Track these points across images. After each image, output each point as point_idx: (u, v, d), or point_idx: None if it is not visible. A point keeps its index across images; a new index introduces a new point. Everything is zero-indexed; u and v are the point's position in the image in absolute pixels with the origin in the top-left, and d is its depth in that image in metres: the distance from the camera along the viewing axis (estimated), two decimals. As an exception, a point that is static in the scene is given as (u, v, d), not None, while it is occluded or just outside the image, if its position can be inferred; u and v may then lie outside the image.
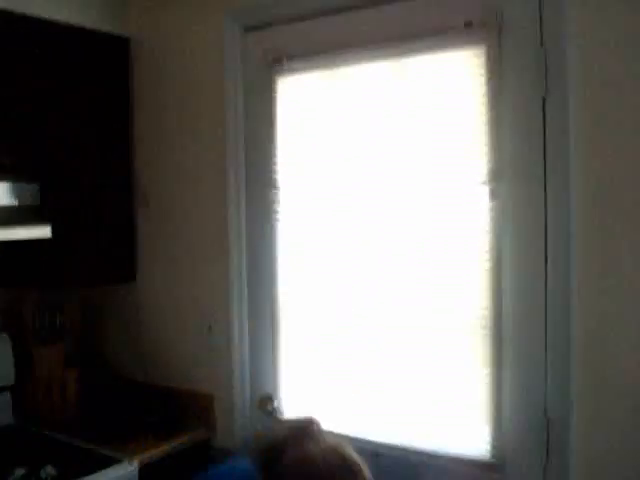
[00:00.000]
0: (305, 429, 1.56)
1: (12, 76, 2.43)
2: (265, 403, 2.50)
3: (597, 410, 1.89)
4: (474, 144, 2.06)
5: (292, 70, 2.42)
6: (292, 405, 2.51)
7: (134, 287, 2.91)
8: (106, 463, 2.29)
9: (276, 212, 2.50)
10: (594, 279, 1.88)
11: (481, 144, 2.04)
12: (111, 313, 3.02)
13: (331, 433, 1.58)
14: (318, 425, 1.59)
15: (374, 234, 2.27)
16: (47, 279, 2.67)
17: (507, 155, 2.02)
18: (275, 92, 2.46)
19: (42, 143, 2.53)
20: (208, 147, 2.64)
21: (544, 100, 1.95)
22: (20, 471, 2.18)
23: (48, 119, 2.55)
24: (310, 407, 2.42)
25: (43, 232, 2.44)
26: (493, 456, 2.08)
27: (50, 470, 2.19)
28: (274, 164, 2.49)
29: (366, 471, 1.52)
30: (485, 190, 2.05)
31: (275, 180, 2.49)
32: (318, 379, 2.42)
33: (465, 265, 2.09)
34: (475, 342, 2.08)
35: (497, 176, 2.02)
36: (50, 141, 2.56)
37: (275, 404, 2.52)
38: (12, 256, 2.61)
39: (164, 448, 2.45)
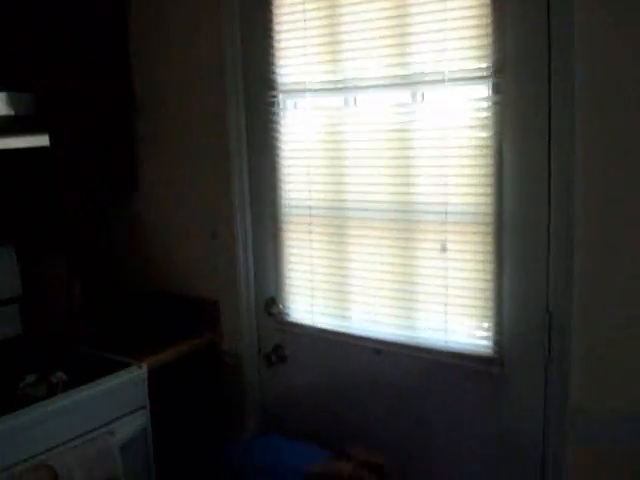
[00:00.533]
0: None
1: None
2: (270, 306, 2.53)
3: (598, 303, 1.89)
4: (478, 35, 2.00)
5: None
6: (295, 307, 2.54)
7: (136, 196, 2.90)
8: (116, 367, 2.34)
9: (277, 114, 2.46)
10: (597, 171, 1.86)
11: (485, 35, 1.98)
12: (114, 223, 3.02)
13: None
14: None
15: (375, 125, 2.24)
16: (47, 190, 2.65)
17: (511, 48, 1.96)
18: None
19: (36, 50, 2.47)
20: (205, 49, 2.58)
21: (548, -8, 1.87)
22: (31, 377, 2.21)
23: (42, 26, 2.48)
24: (313, 308, 2.46)
25: (40, 141, 2.41)
26: (495, 351, 2.10)
27: (61, 375, 2.22)
28: (274, 64, 2.44)
29: None
30: (488, 84, 2.00)
31: (275, 81, 2.44)
32: (320, 278, 2.43)
33: (467, 159, 2.07)
34: (478, 237, 2.08)
35: (500, 69, 1.97)
36: (43, 47, 2.50)
37: (279, 307, 2.54)
38: (12, 166, 2.58)
39: (172, 352, 2.49)
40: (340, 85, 2.30)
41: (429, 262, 2.18)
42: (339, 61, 2.29)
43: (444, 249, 2.13)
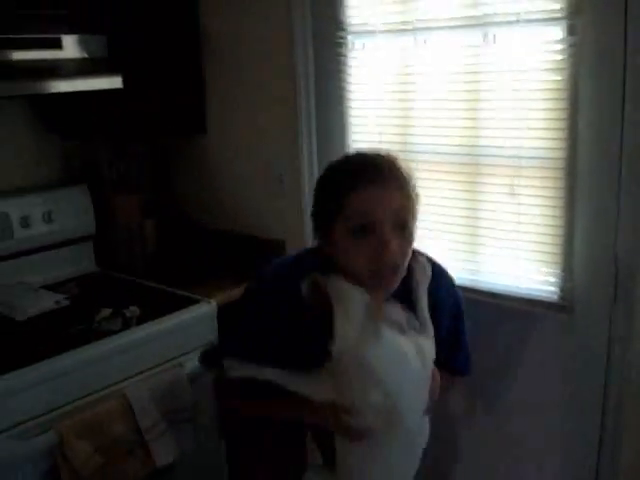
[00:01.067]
0: None
1: None
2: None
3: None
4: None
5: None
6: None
7: (204, 138, 2.94)
8: (187, 303, 2.42)
9: (345, 55, 2.45)
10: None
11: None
12: (184, 165, 3.07)
13: None
14: None
15: (445, 67, 2.22)
16: (119, 130, 2.72)
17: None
18: None
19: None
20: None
21: None
22: (106, 311, 2.31)
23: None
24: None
25: (114, 82, 2.46)
26: (562, 298, 2.10)
27: (135, 310, 2.31)
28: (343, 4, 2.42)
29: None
30: (563, 25, 1.96)
31: (344, 22, 2.43)
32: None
33: (541, 102, 2.04)
34: (549, 182, 2.07)
35: (577, 10, 1.92)
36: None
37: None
38: (84, 108, 2.64)
39: (240, 289, 2.54)
40: (410, 26, 2.27)
41: (498, 206, 2.17)
42: (409, 1, 2.26)
43: (514, 192, 2.12)
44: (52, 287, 2.58)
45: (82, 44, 2.44)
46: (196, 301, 2.43)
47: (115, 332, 2.20)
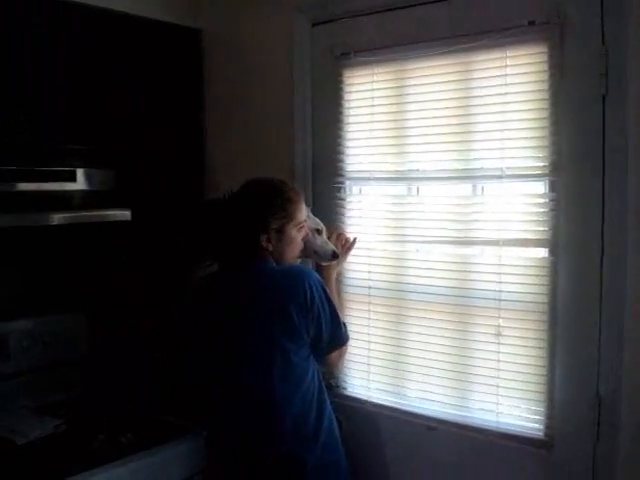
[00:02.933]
0: None
1: (88, 68, 2.59)
2: (327, 379, 2.62)
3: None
4: (535, 138, 2.15)
5: (358, 64, 2.52)
6: (352, 382, 2.66)
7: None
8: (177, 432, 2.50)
9: (343, 199, 2.64)
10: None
11: (542, 138, 2.14)
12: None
13: None
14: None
15: (436, 214, 2.39)
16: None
17: (567, 149, 2.09)
18: (343, 84, 2.58)
19: (117, 132, 2.69)
20: (277, 140, 2.78)
21: (604, 98, 2.02)
22: (101, 436, 2.37)
23: (124, 110, 2.71)
24: (369, 384, 2.58)
25: (123, 215, 2.61)
26: (545, 434, 2.18)
27: (130, 436, 2.36)
28: (342, 154, 2.62)
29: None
30: (545, 182, 2.15)
31: (342, 169, 2.63)
32: (377, 355, 2.55)
33: (524, 252, 2.21)
34: (531, 324, 2.18)
35: (557, 168, 2.11)
36: (127, 130, 2.72)
37: (337, 380, 2.66)
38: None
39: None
40: (403, 175, 2.47)
41: (483, 345, 2.28)
42: (404, 153, 2.47)
43: (500, 334, 2.24)
44: (48, 408, 2.63)
45: (94, 177, 2.61)
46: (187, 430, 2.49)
47: (111, 458, 2.24)
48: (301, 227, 2.25)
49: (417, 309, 2.43)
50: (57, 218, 2.45)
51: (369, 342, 2.55)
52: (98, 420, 2.56)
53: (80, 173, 2.57)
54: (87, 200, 2.60)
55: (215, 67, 3.00)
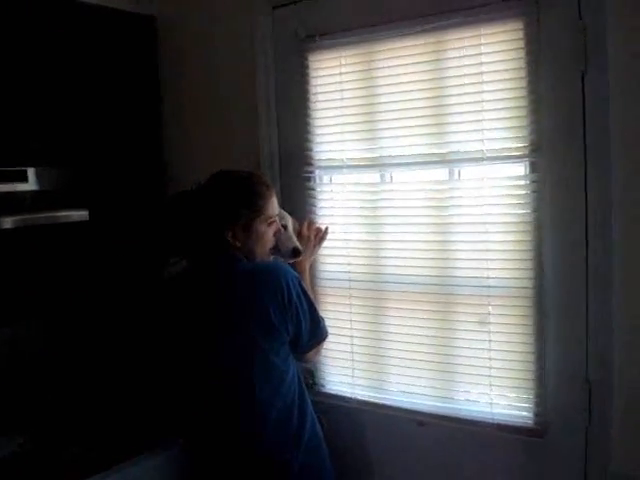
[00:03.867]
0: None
1: (39, 58, 2.45)
2: (307, 378, 2.53)
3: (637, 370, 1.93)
4: (514, 118, 2.08)
5: (324, 47, 2.42)
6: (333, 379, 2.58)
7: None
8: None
9: (313, 189, 2.54)
10: (635, 250, 1.92)
11: (521, 118, 2.07)
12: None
13: None
14: None
15: (412, 201, 2.32)
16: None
17: (547, 129, 2.03)
18: (308, 69, 2.47)
19: (71, 127, 2.56)
20: (240, 129, 2.66)
21: (583, 75, 1.96)
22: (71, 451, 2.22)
23: (78, 103, 2.58)
24: (353, 380, 2.50)
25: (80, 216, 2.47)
26: (536, 422, 2.13)
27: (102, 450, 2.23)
28: (310, 142, 2.52)
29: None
30: (525, 163, 2.08)
31: (311, 158, 2.53)
32: (359, 350, 2.47)
33: (507, 234, 2.13)
34: (518, 310, 2.13)
35: (537, 149, 2.05)
36: (79, 125, 2.58)
37: (317, 379, 2.58)
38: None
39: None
40: (376, 162, 2.38)
41: (470, 334, 2.22)
42: (376, 139, 2.38)
43: (485, 321, 2.18)
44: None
45: (47, 177, 2.46)
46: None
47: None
48: (272, 222, 2.14)
49: (399, 300, 2.36)
50: (8, 221, 2.32)
51: (352, 337, 2.47)
52: (66, 434, 2.42)
53: (32, 172, 2.43)
54: (41, 201, 2.47)
55: (172, 55, 2.86)
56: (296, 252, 2.26)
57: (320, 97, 2.47)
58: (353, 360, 2.48)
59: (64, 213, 2.47)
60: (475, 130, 2.15)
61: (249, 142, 2.61)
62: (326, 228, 2.42)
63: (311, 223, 2.42)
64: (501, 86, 2.09)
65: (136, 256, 2.72)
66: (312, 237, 2.37)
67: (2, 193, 2.33)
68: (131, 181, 2.77)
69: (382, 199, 2.39)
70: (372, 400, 2.44)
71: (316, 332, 2.15)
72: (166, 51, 2.86)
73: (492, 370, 2.18)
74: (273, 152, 2.60)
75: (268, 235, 2.14)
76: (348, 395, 2.50)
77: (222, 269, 2.08)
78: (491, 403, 2.20)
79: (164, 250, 2.40)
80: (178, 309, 2.18)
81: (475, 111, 2.14)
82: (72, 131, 2.56)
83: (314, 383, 2.57)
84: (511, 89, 2.08)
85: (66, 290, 2.70)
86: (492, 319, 2.17)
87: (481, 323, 2.19)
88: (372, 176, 2.42)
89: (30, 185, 2.43)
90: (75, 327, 2.76)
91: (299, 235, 2.33)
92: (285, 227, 2.25)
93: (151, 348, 2.39)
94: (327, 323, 2.23)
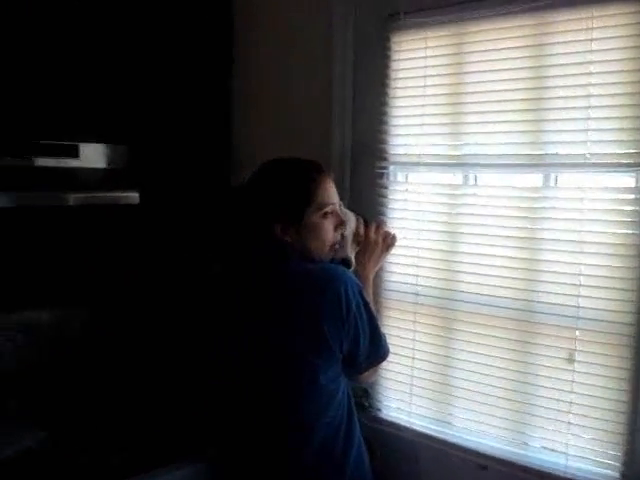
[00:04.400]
0: None
1: (96, 26, 2.25)
2: (362, 397, 2.25)
3: None
4: (626, 118, 1.75)
5: (409, 26, 2.13)
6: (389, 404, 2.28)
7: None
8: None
9: (385, 186, 2.25)
10: None
11: (635, 119, 1.73)
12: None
13: None
14: None
15: (498, 209, 2.00)
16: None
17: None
18: (390, 51, 2.19)
19: (131, 102, 2.36)
20: (313, 117, 2.39)
21: None
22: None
23: (139, 75, 2.37)
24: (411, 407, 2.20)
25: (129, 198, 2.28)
26: (624, 476, 1.79)
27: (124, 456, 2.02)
28: (386, 134, 2.23)
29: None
30: (637, 173, 1.74)
31: (386, 152, 2.24)
32: (421, 375, 2.18)
33: (606, 257, 1.79)
34: (612, 349, 1.79)
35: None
36: (141, 101, 2.38)
37: (372, 400, 2.29)
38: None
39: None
40: (459, 160, 2.07)
41: (550, 371, 1.89)
42: (461, 134, 2.07)
43: (570, 358, 1.84)
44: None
45: (101, 153, 2.29)
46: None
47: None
48: (327, 213, 1.81)
49: (471, 322, 2.04)
50: (63, 197, 2.17)
51: (413, 358, 2.18)
52: (87, 434, 2.20)
53: (84, 148, 2.23)
54: (92, 180, 2.27)
55: (247, 32, 2.61)
56: (346, 264, 1.94)
57: (400, 83, 2.17)
58: (412, 385, 2.18)
59: (113, 194, 2.28)
60: (578, 130, 1.83)
61: (321, 131, 2.33)
62: (394, 235, 2.10)
63: (380, 225, 2.10)
64: (613, 79, 1.76)
65: (186, 249, 2.50)
66: (380, 242, 2.05)
67: (49, 168, 2.15)
68: (192, 164, 2.53)
69: (463, 204, 2.08)
70: (430, 433, 2.14)
71: (375, 351, 1.85)
72: (242, 27, 2.62)
73: (573, 416, 1.85)
74: (345, 143, 2.31)
75: (324, 228, 1.81)
76: (404, 424, 2.20)
77: (273, 273, 1.80)
78: (567, 454, 1.87)
79: (213, 246, 2.18)
80: (217, 315, 1.93)
81: (580, 107, 1.81)
82: (133, 106, 2.36)
83: (369, 405, 2.28)
84: (625, 83, 1.74)
85: (109, 279, 2.52)
86: (579, 356, 1.84)
87: (565, 360, 1.86)
88: (453, 177, 2.11)
89: (81, 161, 2.23)
90: (117, 319, 2.56)
91: (365, 238, 2.02)
92: (342, 227, 1.93)
93: (191, 350, 2.15)
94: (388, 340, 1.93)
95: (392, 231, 2.09)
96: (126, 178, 2.33)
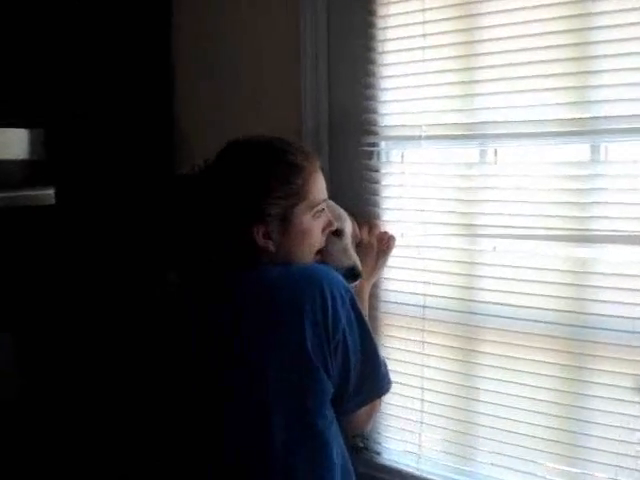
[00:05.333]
0: None
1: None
2: (356, 439, 1.78)
3: None
4: None
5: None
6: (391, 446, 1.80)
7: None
8: None
9: (376, 172, 1.76)
10: None
11: None
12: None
13: None
14: None
15: (526, 191, 1.53)
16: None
17: None
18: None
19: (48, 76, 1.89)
20: (277, 82, 1.93)
21: None
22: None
23: (58, 40, 1.92)
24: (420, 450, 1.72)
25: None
26: None
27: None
28: (374, 100, 1.75)
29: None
30: None
31: (374, 124, 1.75)
32: (432, 408, 1.71)
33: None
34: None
35: None
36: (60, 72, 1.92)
37: (369, 441, 1.82)
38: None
39: None
40: (473, 130, 1.59)
41: (610, 404, 1.43)
42: (474, 95, 1.59)
43: (638, 387, 1.40)
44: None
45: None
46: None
47: None
48: (319, 212, 1.43)
49: (500, 342, 1.57)
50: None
51: (422, 389, 1.71)
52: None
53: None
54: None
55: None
56: (354, 273, 1.52)
57: (391, 33, 1.69)
58: (422, 422, 1.72)
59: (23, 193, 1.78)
60: (634, 84, 1.36)
61: (288, 101, 1.87)
62: (391, 235, 1.66)
63: (373, 226, 1.65)
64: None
65: (121, 260, 2.01)
66: (374, 246, 1.63)
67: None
68: (125, 154, 2.05)
69: (479, 188, 1.60)
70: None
71: (372, 382, 1.40)
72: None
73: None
74: (319, 115, 1.82)
75: (314, 230, 1.43)
76: (412, 471, 1.73)
77: (244, 281, 1.38)
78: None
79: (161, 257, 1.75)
80: (182, 342, 1.48)
81: (636, 53, 1.35)
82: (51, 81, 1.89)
83: (365, 447, 1.81)
84: None
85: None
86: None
87: (632, 389, 1.40)
88: (466, 152, 1.64)
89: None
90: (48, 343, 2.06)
91: (357, 244, 1.59)
92: (341, 233, 1.53)
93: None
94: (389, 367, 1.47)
95: (388, 231, 1.63)
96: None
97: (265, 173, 1.37)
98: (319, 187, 1.43)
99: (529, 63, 1.47)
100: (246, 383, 1.33)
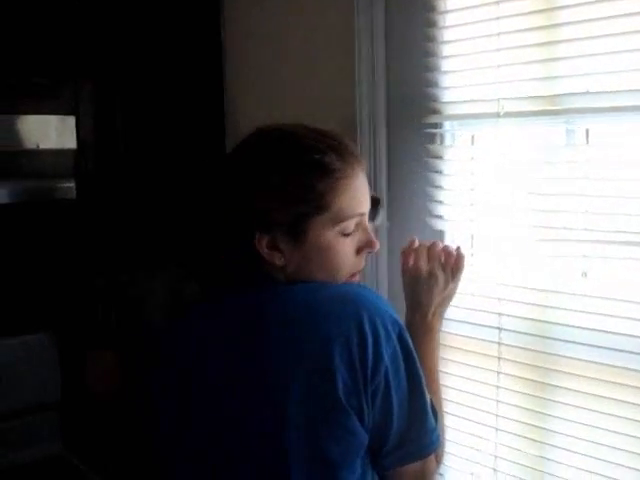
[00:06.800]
0: None
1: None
2: None
3: None
4: None
5: None
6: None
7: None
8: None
9: (440, 158, 1.46)
10: None
11: None
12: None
13: None
14: None
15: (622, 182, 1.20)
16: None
17: None
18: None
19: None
20: (327, 44, 1.68)
21: None
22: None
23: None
24: None
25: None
26: None
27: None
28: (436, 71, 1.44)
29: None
30: None
31: (437, 100, 1.45)
32: (506, 453, 1.39)
33: None
34: None
35: None
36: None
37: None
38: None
39: None
40: (557, 105, 1.26)
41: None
42: (558, 60, 1.26)
43: None
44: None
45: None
46: None
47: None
48: (349, 230, 1.14)
49: (596, 379, 1.24)
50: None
51: (496, 430, 1.39)
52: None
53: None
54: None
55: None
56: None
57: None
58: (496, 469, 1.39)
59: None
60: None
61: (341, 80, 1.61)
62: (459, 253, 1.28)
63: (433, 246, 1.29)
64: None
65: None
66: (439, 269, 1.27)
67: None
68: (170, 143, 1.97)
69: (568, 178, 1.26)
70: None
71: (417, 439, 1.10)
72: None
73: None
74: (377, 94, 1.53)
75: (339, 250, 1.15)
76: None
77: (241, 296, 1.15)
78: None
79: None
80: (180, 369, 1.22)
81: None
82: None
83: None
84: None
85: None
86: None
87: None
88: (549, 131, 1.31)
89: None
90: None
91: (412, 270, 1.27)
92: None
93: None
94: (450, 405, 1.19)
95: (452, 248, 1.29)
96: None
97: (275, 170, 1.10)
98: (352, 197, 1.13)
99: (628, 15, 1.12)
100: (262, 431, 1.08)
